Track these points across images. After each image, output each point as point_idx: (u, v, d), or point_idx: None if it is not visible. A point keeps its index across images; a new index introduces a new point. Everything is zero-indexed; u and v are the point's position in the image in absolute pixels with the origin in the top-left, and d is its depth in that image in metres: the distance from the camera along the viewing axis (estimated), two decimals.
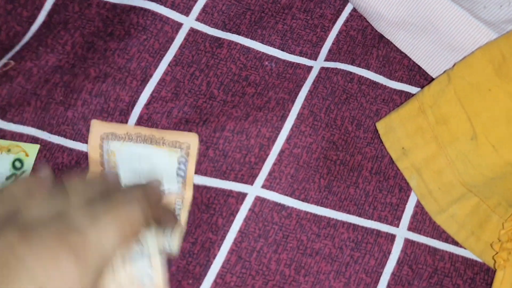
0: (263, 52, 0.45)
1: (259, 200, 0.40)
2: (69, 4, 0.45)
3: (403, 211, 0.41)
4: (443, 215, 0.40)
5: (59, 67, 0.43)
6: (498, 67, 0.38)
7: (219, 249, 0.39)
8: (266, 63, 0.45)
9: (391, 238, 0.40)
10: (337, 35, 0.46)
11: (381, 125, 0.42)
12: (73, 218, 0.26)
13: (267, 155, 0.41)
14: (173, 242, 0.39)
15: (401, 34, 0.45)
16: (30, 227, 0.26)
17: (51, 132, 0.41)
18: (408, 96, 0.44)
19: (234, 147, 0.41)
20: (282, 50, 0.45)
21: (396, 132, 0.41)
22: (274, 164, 0.41)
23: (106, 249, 0.26)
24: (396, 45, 0.45)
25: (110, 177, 0.36)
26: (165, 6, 0.45)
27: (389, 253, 0.40)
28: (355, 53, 0.45)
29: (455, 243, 0.41)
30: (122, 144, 0.40)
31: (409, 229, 0.41)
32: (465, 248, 0.40)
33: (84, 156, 0.41)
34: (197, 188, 0.41)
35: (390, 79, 0.45)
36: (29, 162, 0.41)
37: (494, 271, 0.40)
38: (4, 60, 0.43)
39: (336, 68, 0.44)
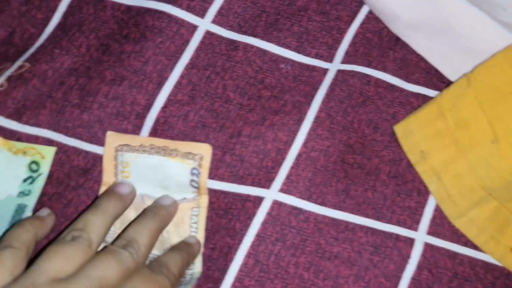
0: (278, 55, 0.45)
1: (276, 204, 0.40)
2: (83, 6, 0.45)
3: (421, 215, 0.41)
4: (462, 219, 0.40)
5: (74, 70, 0.43)
6: None
7: (236, 253, 0.38)
8: (282, 65, 0.44)
9: (410, 242, 0.40)
10: (353, 37, 0.46)
11: (399, 128, 0.42)
12: None
13: (284, 159, 0.41)
14: (197, 265, 0.39)
15: (418, 36, 0.44)
16: None
17: (66, 134, 0.41)
18: (425, 99, 0.44)
19: (250, 152, 0.41)
20: (298, 52, 0.45)
21: (415, 135, 0.41)
22: (291, 167, 0.41)
23: None
24: (412, 47, 0.45)
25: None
26: (180, 8, 0.45)
27: (409, 257, 0.39)
28: (372, 55, 0.45)
29: (475, 247, 0.40)
30: (137, 155, 0.40)
31: (428, 233, 0.40)
32: (485, 252, 0.40)
33: (99, 159, 0.41)
34: (214, 193, 0.40)
35: (407, 81, 0.45)
36: (45, 165, 0.40)
37: None
38: (19, 63, 0.43)
39: (353, 71, 0.44)
